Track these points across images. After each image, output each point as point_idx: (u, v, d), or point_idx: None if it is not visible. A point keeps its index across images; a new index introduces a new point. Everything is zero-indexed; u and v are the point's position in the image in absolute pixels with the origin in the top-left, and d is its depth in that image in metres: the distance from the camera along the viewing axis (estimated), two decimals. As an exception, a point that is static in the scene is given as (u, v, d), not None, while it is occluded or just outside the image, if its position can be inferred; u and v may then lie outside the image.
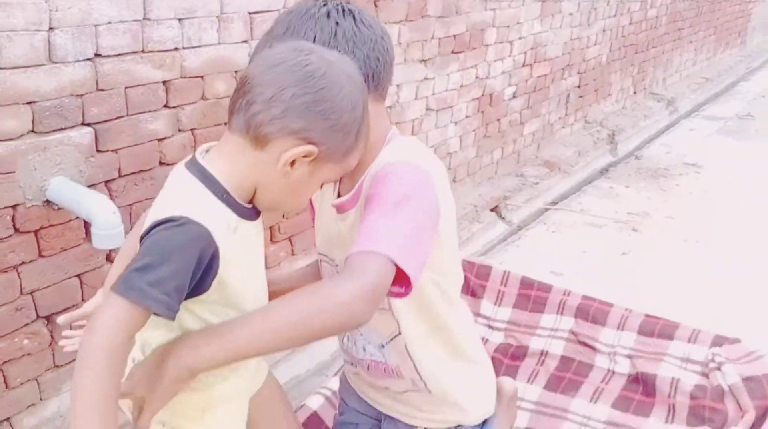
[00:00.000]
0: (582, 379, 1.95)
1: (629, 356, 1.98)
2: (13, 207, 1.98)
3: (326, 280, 1.20)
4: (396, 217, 1.10)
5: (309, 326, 1.01)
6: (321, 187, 1.19)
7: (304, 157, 1.06)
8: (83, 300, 2.25)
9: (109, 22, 2.06)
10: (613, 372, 1.96)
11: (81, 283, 2.23)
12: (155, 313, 0.98)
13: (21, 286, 2.07)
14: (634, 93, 6.30)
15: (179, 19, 2.25)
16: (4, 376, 2.11)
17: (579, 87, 5.24)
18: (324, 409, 1.75)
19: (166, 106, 2.31)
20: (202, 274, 1.03)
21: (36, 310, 2.13)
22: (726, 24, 8.27)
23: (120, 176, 2.24)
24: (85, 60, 2.03)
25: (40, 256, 2.09)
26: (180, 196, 1.07)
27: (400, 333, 1.35)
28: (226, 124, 1.16)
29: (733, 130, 6.33)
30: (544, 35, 4.52)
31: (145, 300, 0.95)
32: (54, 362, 2.24)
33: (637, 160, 5.48)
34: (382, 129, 1.27)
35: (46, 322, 2.18)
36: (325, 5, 1.21)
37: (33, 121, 1.96)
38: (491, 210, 4.20)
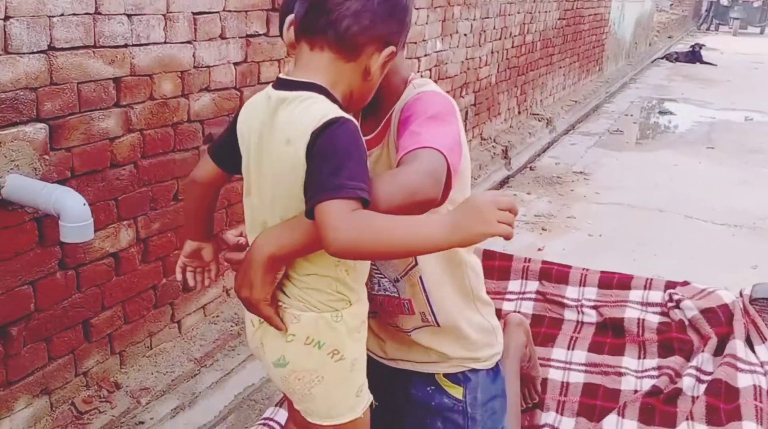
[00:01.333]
0: (556, 331, 2.08)
1: (594, 307, 2.14)
2: (-33, 206, 1.86)
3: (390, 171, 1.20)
4: (434, 126, 1.20)
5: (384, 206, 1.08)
6: None
7: (389, 59, 1.16)
8: (36, 309, 2.12)
9: (63, 14, 2.01)
10: (583, 322, 2.12)
11: (35, 290, 2.11)
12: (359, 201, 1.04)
13: (-27, 293, 1.92)
14: (519, 113, 6.78)
15: (128, 15, 2.22)
16: (-47, 396, 1.94)
17: (474, 105, 5.57)
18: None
19: (116, 104, 2.26)
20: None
21: (-11, 320, 1.98)
22: (586, 53, 9.11)
23: (73, 176, 2.15)
24: (39, 52, 1.96)
25: (-7, 260, 1.96)
26: (316, 106, 1.10)
27: (416, 264, 1.41)
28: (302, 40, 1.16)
29: (607, 142, 6.98)
30: (444, 54, 4.81)
31: (352, 191, 1.02)
32: (6, 378, 2.07)
33: (531, 171, 5.88)
34: (403, 73, 1.36)
35: (-2, 335, 2.03)
36: None
37: (-13, 114, 1.86)
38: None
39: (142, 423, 2.40)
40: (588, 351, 2.01)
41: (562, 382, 1.86)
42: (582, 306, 2.15)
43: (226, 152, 1.26)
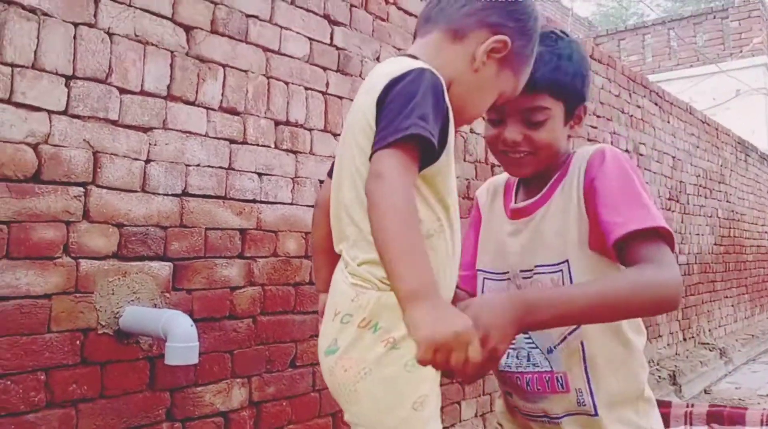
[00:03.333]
0: None
1: None
2: (85, 331, 1.89)
3: (638, 266, 1.14)
4: (641, 198, 1.19)
5: (637, 300, 1.11)
6: (496, 101, 1.18)
7: (497, 50, 1.10)
8: (137, 460, 1.98)
9: (199, 164, 2.20)
10: None
11: (137, 437, 2.00)
12: (425, 152, 0.97)
13: (77, 426, 1.85)
14: (684, 339, 6.16)
15: (259, 174, 2.39)
16: None
17: (629, 322, 5.16)
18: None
19: (240, 255, 2.32)
20: (441, 128, 1.00)
21: (86, 460, 1.87)
22: (755, 285, 8.41)
23: (192, 319, 2.15)
24: (173, 195, 2.12)
25: (102, 395, 1.92)
26: (403, 62, 1.06)
27: (578, 328, 1.23)
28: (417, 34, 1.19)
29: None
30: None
31: (422, 129, 0.94)
32: None
33: (707, 394, 5.13)
34: (566, 145, 1.33)
35: (93, 482, 1.89)
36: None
37: (119, 244, 1.97)
38: None
39: None
40: None
41: None
42: None
43: None
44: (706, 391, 5.22)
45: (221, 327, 2.25)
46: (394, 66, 1.04)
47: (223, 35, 2.28)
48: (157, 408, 2.06)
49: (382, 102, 0.99)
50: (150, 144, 2.07)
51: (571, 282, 1.22)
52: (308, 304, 2.54)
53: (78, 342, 1.87)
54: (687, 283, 6.31)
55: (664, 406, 1.89)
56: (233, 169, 2.31)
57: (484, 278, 1.38)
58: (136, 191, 2.02)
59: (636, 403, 1.26)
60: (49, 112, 1.83)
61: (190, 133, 2.17)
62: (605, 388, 1.23)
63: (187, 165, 2.17)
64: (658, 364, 5.47)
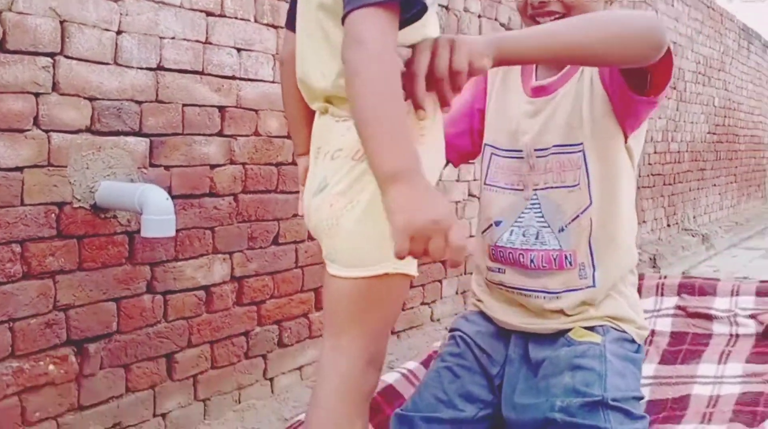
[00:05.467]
0: (702, 348, 1.65)
1: (752, 316, 1.70)
2: (60, 205, 1.88)
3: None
4: None
5: (627, 31, 1.05)
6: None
7: None
8: (118, 330, 2.04)
9: (174, 37, 2.10)
10: (738, 335, 1.67)
11: (118, 309, 2.05)
12: (406, 9, 0.87)
13: (55, 297, 1.89)
14: (668, 226, 6.27)
15: (238, 49, 2.30)
16: (22, 408, 1.85)
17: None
18: (401, 385, 1.48)
19: (220, 133, 2.28)
20: None
21: (68, 330, 1.92)
22: (745, 175, 8.46)
23: (170, 195, 2.13)
24: (148, 68, 2.04)
25: (80, 267, 1.94)
26: None
27: (591, 203, 1.24)
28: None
29: (776, 258, 6.21)
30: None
31: None
32: (79, 401, 1.97)
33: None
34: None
35: (75, 349, 1.95)
36: None
37: (92, 118, 1.92)
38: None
39: (218, 480, 2.18)
40: (746, 363, 1.56)
41: (711, 396, 1.43)
42: (736, 316, 1.71)
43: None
44: (684, 275, 5.37)
45: (201, 204, 2.25)
46: None
47: None
48: (137, 281, 2.09)
49: None
50: (121, 14, 1.97)
51: (586, 166, 1.23)
52: (291, 184, 2.53)
53: (53, 215, 1.87)
54: (676, 170, 6.33)
55: (638, 278, 1.92)
56: (210, 44, 2.22)
57: (492, 153, 1.34)
58: (108, 63, 1.95)
59: (626, 275, 1.30)
60: (10, -24, 1.72)
61: (163, 3, 2.06)
62: (605, 261, 1.25)
63: (161, 37, 2.07)
64: (640, 248, 5.59)
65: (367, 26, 0.84)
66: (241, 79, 2.32)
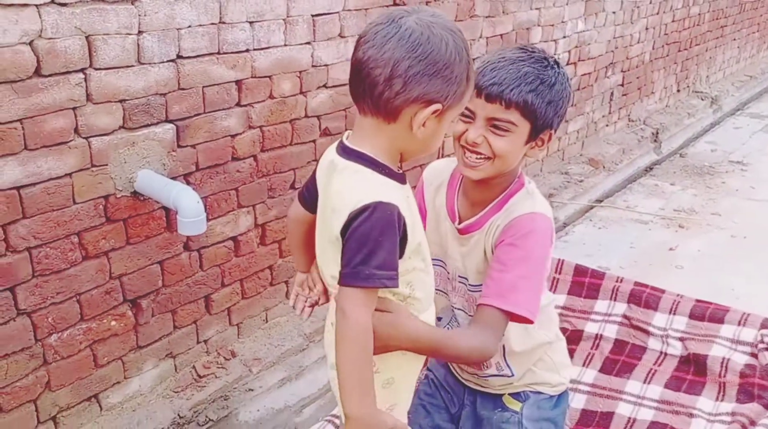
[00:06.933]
0: (635, 361, 2.02)
1: (681, 339, 2.03)
2: (105, 197, 2.16)
3: (478, 331, 1.36)
4: (533, 277, 1.36)
5: (458, 357, 1.43)
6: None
7: (433, 114, 1.14)
8: (163, 285, 2.42)
9: (190, 26, 2.22)
10: (666, 354, 2.03)
11: (162, 269, 2.40)
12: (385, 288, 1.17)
13: (110, 270, 2.24)
14: (678, 91, 6.31)
15: (250, 22, 2.40)
16: (94, 355, 2.28)
17: (622, 85, 5.29)
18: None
19: (238, 104, 2.47)
20: (400, 244, 1.16)
21: (123, 293, 2.30)
22: (770, 21, 8.20)
23: (197, 169, 2.40)
24: (168, 61, 2.20)
25: (128, 243, 2.27)
26: (359, 184, 1.15)
27: None
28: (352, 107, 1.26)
29: (779, 127, 6.30)
30: (587, 34, 4.60)
31: (379, 282, 1.13)
32: (137, 343, 2.41)
33: (682, 158, 5.50)
34: (515, 165, 1.44)
35: (131, 306, 2.35)
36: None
37: (123, 118, 2.13)
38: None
39: (252, 390, 2.68)
40: (664, 387, 1.93)
41: (629, 418, 1.83)
42: (668, 336, 2.06)
43: (310, 197, 1.34)
44: (681, 155, 5.55)
45: (225, 170, 2.51)
46: (351, 192, 1.13)
47: None
48: (176, 244, 2.43)
49: (343, 234, 1.13)
50: (139, 15, 2.08)
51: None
52: (305, 135, 2.75)
53: (101, 207, 2.16)
54: (694, 34, 6.23)
55: (597, 277, 2.24)
56: (224, 23, 2.32)
57: (434, 264, 1.54)
58: (132, 66, 2.10)
59: (544, 354, 1.60)
60: (37, 6, 1.84)
61: (177, -6, 2.15)
62: (520, 359, 1.56)
63: (179, 29, 2.19)
64: (644, 122, 5.73)
65: (351, 301, 1.13)
66: (254, 49, 2.45)
